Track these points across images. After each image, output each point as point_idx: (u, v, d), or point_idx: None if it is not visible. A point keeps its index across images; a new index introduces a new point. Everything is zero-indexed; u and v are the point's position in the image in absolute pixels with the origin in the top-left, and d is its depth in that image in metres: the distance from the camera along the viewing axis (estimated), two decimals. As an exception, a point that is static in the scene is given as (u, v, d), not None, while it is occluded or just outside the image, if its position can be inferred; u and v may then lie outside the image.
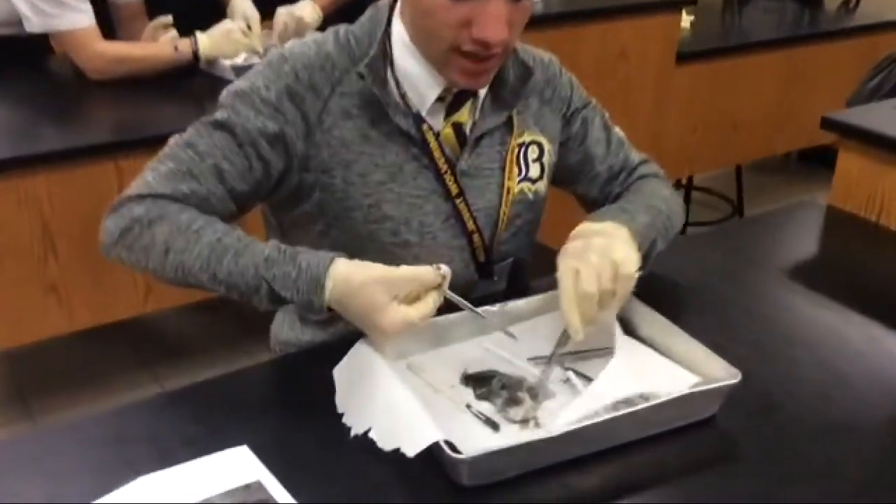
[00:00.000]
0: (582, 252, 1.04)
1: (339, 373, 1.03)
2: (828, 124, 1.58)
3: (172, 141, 1.13)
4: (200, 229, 1.04)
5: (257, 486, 0.80)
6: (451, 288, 1.03)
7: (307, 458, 0.93)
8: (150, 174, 1.10)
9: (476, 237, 1.20)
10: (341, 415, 0.99)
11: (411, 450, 0.87)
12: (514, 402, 1.00)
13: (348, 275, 1.00)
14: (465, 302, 1.05)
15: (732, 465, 0.97)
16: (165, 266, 1.04)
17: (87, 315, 1.98)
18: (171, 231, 1.04)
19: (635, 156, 1.32)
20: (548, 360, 1.07)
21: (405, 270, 1.00)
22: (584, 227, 1.11)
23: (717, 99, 2.87)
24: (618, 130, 1.33)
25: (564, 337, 1.07)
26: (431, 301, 1.01)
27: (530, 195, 1.24)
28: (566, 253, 1.06)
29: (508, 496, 0.90)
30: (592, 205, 1.31)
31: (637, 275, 1.06)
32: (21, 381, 2.48)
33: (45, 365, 2.50)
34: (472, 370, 1.07)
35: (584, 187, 1.32)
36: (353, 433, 0.96)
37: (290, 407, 1.03)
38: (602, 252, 1.04)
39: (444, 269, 1.02)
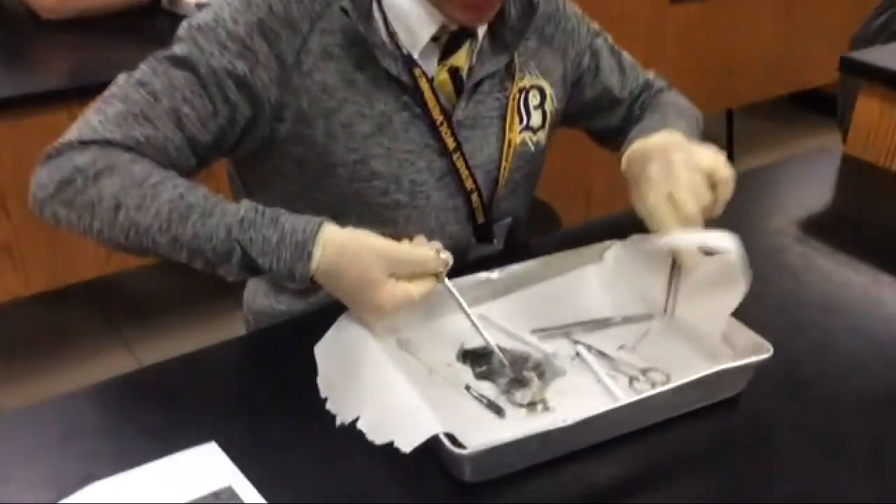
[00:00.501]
0: (666, 173, 0.95)
1: (322, 351, 0.91)
2: (848, 65, 1.46)
3: (121, 79, 0.96)
4: (158, 184, 0.89)
5: (228, 493, 0.69)
6: (453, 250, 0.91)
7: (286, 453, 0.81)
8: (96, 116, 0.94)
9: (475, 197, 1.08)
10: (324, 400, 0.87)
11: (407, 445, 0.76)
12: (519, 383, 0.88)
13: (342, 242, 0.87)
14: (461, 299, 0.91)
15: (763, 449, 0.86)
16: (115, 226, 0.89)
17: (45, 277, 1.84)
18: (122, 185, 0.89)
19: (645, 73, 1.25)
20: (666, 300, 0.98)
21: (407, 251, 0.88)
22: (641, 146, 1.02)
23: (712, 40, 2.74)
24: (623, 52, 1.24)
25: (678, 270, 0.97)
26: (431, 282, 0.89)
27: (532, 146, 1.12)
28: (650, 181, 0.96)
29: (516, 492, 0.79)
30: (612, 134, 1.22)
31: (731, 174, 0.97)
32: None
33: (3, 332, 2.36)
34: (470, 345, 0.96)
35: (605, 119, 1.22)
36: (338, 422, 0.84)
37: (266, 392, 0.90)
38: (688, 165, 0.95)
39: (446, 255, 0.89)
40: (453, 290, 0.91)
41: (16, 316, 2.35)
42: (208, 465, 0.72)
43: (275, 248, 0.86)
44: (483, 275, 1.01)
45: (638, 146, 1.02)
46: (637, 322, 1.00)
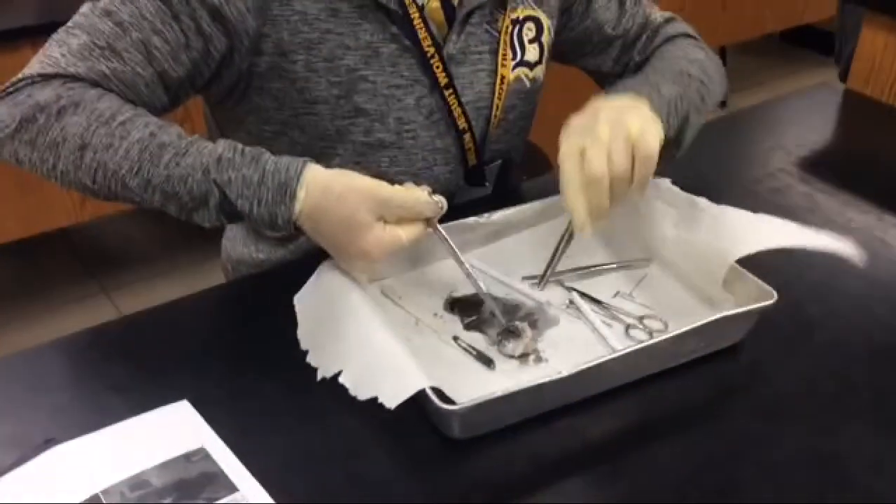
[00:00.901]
0: (588, 127, 0.83)
1: (302, 301, 0.86)
2: (852, -6, 1.39)
3: (86, 8, 0.89)
4: (128, 121, 0.83)
5: (200, 455, 0.64)
6: (441, 193, 0.85)
7: (264, 410, 0.77)
8: (58, 49, 0.87)
9: (467, 137, 1.02)
10: (305, 353, 0.82)
11: (392, 400, 0.71)
12: (511, 333, 0.84)
13: (326, 182, 0.81)
14: (454, 245, 0.86)
15: (765, 401, 0.82)
16: (80, 168, 0.82)
17: (16, 224, 1.78)
18: (88, 123, 0.82)
19: (657, 14, 1.12)
20: (546, 268, 0.90)
21: (397, 192, 0.81)
22: (596, 102, 0.90)
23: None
24: None
25: (568, 235, 0.89)
26: (420, 227, 0.83)
27: (527, 82, 1.05)
28: (569, 130, 0.85)
29: (507, 448, 0.75)
30: (608, 79, 1.13)
31: (656, 152, 0.83)
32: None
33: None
34: (458, 293, 0.91)
35: (596, 59, 1.12)
36: (320, 376, 0.79)
37: (244, 345, 0.85)
38: (614, 125, 0.82)
39: (439, 199, 0.83)
40: (446, 236, 0.85)
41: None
42: (180, 424, 0.67)
43: (255, 190, 0.80)
44: (472, 219, 0.96)
45: (597, 101, 0.90)
46: (633, 268, 0.96)
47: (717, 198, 0.94)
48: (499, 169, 1.08)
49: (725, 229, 0.89)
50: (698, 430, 0.79)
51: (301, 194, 0.80)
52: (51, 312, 2.17)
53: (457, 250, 0.85)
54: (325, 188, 0.80)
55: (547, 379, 0.73)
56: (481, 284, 0.87)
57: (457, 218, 0.95)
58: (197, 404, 0.75)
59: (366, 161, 0.98)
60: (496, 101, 1.02)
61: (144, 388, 0.78)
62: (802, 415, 0.80)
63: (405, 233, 0.82)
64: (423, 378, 0.72)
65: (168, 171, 0.81)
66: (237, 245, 1.12)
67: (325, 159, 0.84)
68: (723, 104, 3.23)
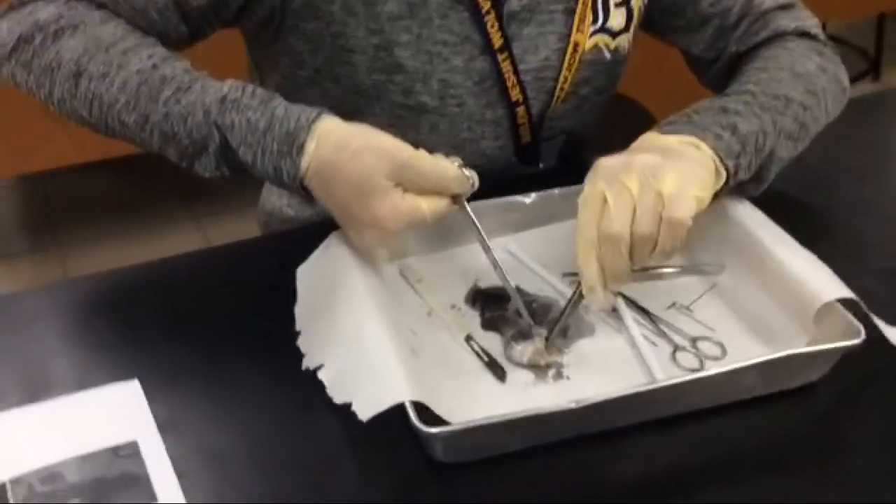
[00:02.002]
0: (618, 173, 0.69)
1: (304, 274, 0.76)
2: None
3: None
4: (129, 50, 0.74)
5: (129, 451, 0.56)
6: (489, 170, 0.75)
7: (233, 400, 0.68)
8: None
9: (521, 111, 0.88)
10: (297, 335, 0.73)
11: (364, 411, 0.61)
12: (521, 336, 0.71)
13: (342, 136, 0.70)
14: (481, 229, 0.73)
15: (836, 455, 0.67)
16: (76, 97, 0.74)
17: (99, 144, 1.75)
18: (85, 47, 0.74)
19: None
20: (550, 329, 0.73)
21: (425, 159, 0.69)
22: (646, 138, 0.75)
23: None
24: None
25: (577, 295, 0.72)
26: (446, 203, 0.71)
27: (607, 53, 0.90)
28: (597, 171, 0.71)
29: (502, 477, 0.63)
30: (699, 65, 0.95)
31: (687, 219, 0.68)
32: None
33: (72, 198, 2.33)
34: (485, 284, 0.79)
35: (687, 38, 0.94)
36: (304, 365, 0.70)
37: (227, 317, 0.76)
38: (646, 178, 0.68)
39: (473, 176, 0.71)
40: (474, 218, 0.73)
41: (88, 183, 2.32)
42: (119, 409, 0.59)
43: (260, 138, 0.70)
44: (514, 198, 0.83)
45: (649, 136, 0.76)
46: (701, 273, 0.81)
47: (858, 189, 0.77)
48: (562, 144, 0.94)
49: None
50: (744, 483, 0.65)
51: (310, 147, 0.69)
52: (140, 235, 2.17)
53: (484, 235, 0.73)
54: (339, 143, 0.69)
55: (553, 409, 0.61)
56: (509, 278, 0.74)
57: (500, 194, 0.83)
58: (153, 385, 0.67)
59: (403, 125, 0.86)
60: (564, 71, 0.88)
61: (98, 358, 0.70)
62: (879, 479, 0.65)
63: (427, 205, 0.70)
64: (406, 389, 0.61)
65: (167, 109, 0.72)
66: (272, 195, 1.03)
67: (358, 118, 0.73)
68: (875, 75, 2.93)
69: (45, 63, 0.75)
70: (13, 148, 1.74)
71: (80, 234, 2.18)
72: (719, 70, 0.92)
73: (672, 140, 0.74)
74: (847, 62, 0.91)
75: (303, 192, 0.72)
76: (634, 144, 0.75)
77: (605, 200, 0.68)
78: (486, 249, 0.74)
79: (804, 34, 0.89)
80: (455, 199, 0.71)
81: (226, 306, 0.78)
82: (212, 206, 2.28)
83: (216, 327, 0.75)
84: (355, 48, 0.83)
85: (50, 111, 0.78)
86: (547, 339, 0.72)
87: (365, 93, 0.85)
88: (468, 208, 0.73)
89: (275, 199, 1.02)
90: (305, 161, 0.70)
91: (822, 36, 0.91)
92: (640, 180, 0.68)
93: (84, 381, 0.68)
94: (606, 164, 0.71)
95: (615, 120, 1.03)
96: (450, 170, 0.70)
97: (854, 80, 2.81)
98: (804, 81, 0.83)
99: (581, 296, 0.71)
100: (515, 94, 0.87)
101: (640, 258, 0.69)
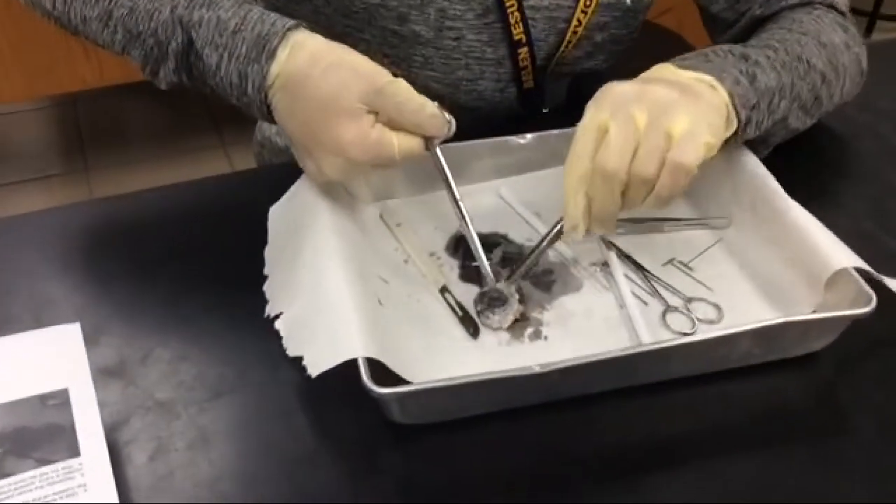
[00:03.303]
0: (628, 102, 0.62)
1: (275, 217, 0.72)
2: None
3: None
4: None
5: (59, 400, 0.53)
6: (483, 111, 0.71)
7: (186, 343, 0.64)
8: None
9: (523, 52, 0.81)
10: (264, 279, 0.69)
11: (314, 367, 0.57)
12: (496, 301, 0.66)
13: (317, 49, 0.64)
14: (449, 177, 0.67)
15: (832, 428, 0.62)
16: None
17: (119, 68, 1.72)
18: None
19: None
20: (517, 265, 0.68)
21: (403, 87, 0.63)
22: (660, 69, 0.68)
23: None
24: None
25: (556, 231, 0.66)
26: (419, 143, 0.65)
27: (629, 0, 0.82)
28: (602, 96, 0.64)
29: (463, 438, 0.59)
30: (716, 25, 0.86)
31: (692, 166, 0.62)
32: None
33: (103, 120, 2.31)
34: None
35: None
36: (267, 311, 0.66)
37: (198, 259, 0.72)
38: (657, 113, 0.62)
39: (452, 121, 0.65)
40: (444, 164, 0.67)
41: (118, 107, 2.30)
42: (56, 353, 0.56)
43: (229, 38, 0.64)
44: (507, 139, 0.77)
45: (661, 67, 0.69)
46: (706, 227, 0.75)
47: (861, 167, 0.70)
48: (569, 84, 0.87)
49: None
50: (726, 460, 0.60)
51: (282, 54, 0.63)
52: (170, 159, 2.15)
53: (453, 183, 0.67)
54: (314, 55, 0.63)
55: (515, 372, 0.56)
56: (471, 228, 0.68)
57: (498, 133, 0.77)
58: (105, 328, 0.63)
59: (394, 55, 0.81)
60: (579, 13, 0.80)
61: (55, 296, 0.67)
62: (876, 466, 0.59)
63: (399, 141, 0.63)
64: (360, 345, 0.56)
65: (132, 2, 0.66)
66: (263, 122, 0.97)
67: (348, 43, 0.67)
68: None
69: None
70: (33, 69, 1.72)
71: (109, 159, 2.18)
72: (737, 33, 0.83)
73: (688, 76, 0.67)
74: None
75: (266, 110, 0.66)
76: (645, 74, 0.68)
77: (605, 131, 0.62)
78: (455, 202, 0.68)
79: (832, 6, 0.80)
80: (428, 141, 0.66)
81: (199, 245, 0.74)
82: (242, 135, 2.24)
83: (185, 267, 0.71)
84: None
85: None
86: (508, 278, 0.67)
87: (357, 16, 0.79)
88: (440, 155, 0.67)
89: (265, 127, 0.97)
90: (275, 69, 0.63)
91: (848, 13, 0.82)
92: (649, 114, 0.62)
93: (40, 320, 0.66)
94: (616, 91, 0.64)
95: (646, 50, 0.95)
96: (428, 105, 0.64)
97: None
98: (828, 52, 0.75)
99: (560, 233, 0.65)
100: (518, 33, 0.80)
101: (633, 201, 0.63)
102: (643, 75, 0.68)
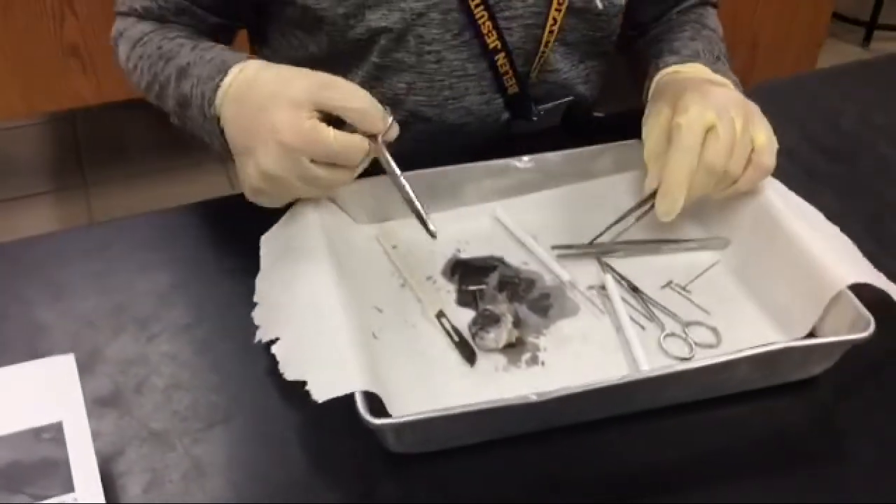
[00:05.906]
0: (728, 105, 0.69)
1: (267, 245, 0.71)
2: None
3: None
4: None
5: (52, 433, 0.53)
6: (478, 128, 0.74)
7: (171, 377, 0.64)
8: None
9: (501, 58, 0.82)
10: (254, 306, 0.68)
11: (321, 393, 0.56)
12: (489, 319, 0.65)
13: (272, 65, 0.68)
14: (395, 167, 0.66)
15: (831, 460, 0.61)
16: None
17: (118, 86, 1.72)
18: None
19: None
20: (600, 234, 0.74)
21: (348, 84, 0.64)
22: (705, 71, 0.79)
23: None
24: None
25: (645, 203, 0.73)
26: (359, 141, 0.64)
27: (599, 3, 0.82)
28: (706, 98, 0.70)
29: (459, 467, 0.59)
30: (635, 31, 0.92)
31: (771, 171, 0.72)
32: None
33: (99, 138, 2.31)
34: (466, 254, 0.74)
35: (644, 7, 0.90)
36: (257, 338, 0.65)
37: (191, 285, 0.72)
38: (747, 119, 0.70)
39: (395, 125, 0.65)
40: (387, 155, 0.65)
41: (116, 123, 2.30)
42: (50, 385, 0.56)
43: (202, 67, 0.72)
44: (505, 161, 0.77)
45: (693, 68, 0.79)
46: (704, 248, 0.74)
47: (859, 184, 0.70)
48: (566, 108, 0.88)
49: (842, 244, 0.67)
50: (726, 485, 0.59)
51: (235, 69, 0.69)
52: (170, 177, 2.14)
53: (399, 173, 0.66)
54: (266, 66, 0.68)
55: (511, 402, 0.56)
56: (409, 189, 0.66)
57: (498, 156, 0.77)
58: (92, 358, 0.63)
59: (381, 85, 0.82)
60: (553, 12, 0.81)
61: (34, 328, 0.67)
62: (875, 490, 0.59)
63: (336, 134, 0.63)
64: (359, 378, 0.56)
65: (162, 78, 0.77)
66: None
67: (349, 77, 0.68)
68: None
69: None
70: (31, 85, 1.72)
71: (107, 175, 2.17)
72: (650, 36, 0.90)
73: (735, 92, 0.75)
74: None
75: (218, 132, 0.69)
76: (705, 76, 0.77)
77: (713, 131, 0.68)
78: (400, 188, 0.66)
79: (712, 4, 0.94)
80: (372, 139, 0.64)
81: (193, 271, 0.74)
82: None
83: (179, 293, 0.71)
84: (325, 19, 0.79)
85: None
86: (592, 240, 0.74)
87: (346, 55, 0.82)
88: (383, 148, 0.65)
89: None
90: (227, 81, 0.68)
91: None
92: (743, 119, 0.69)
93: (34, 347, 0.65)
94: (717, 94, 0.71)
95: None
96: (372, 102, 0.64)
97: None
98: (723, 46, 0.88)
99: (650, 208, 0.72)
100: (493, 41, 0.81)
101: (717, 191, 0.71)
102: (706, 76, 0.77)
